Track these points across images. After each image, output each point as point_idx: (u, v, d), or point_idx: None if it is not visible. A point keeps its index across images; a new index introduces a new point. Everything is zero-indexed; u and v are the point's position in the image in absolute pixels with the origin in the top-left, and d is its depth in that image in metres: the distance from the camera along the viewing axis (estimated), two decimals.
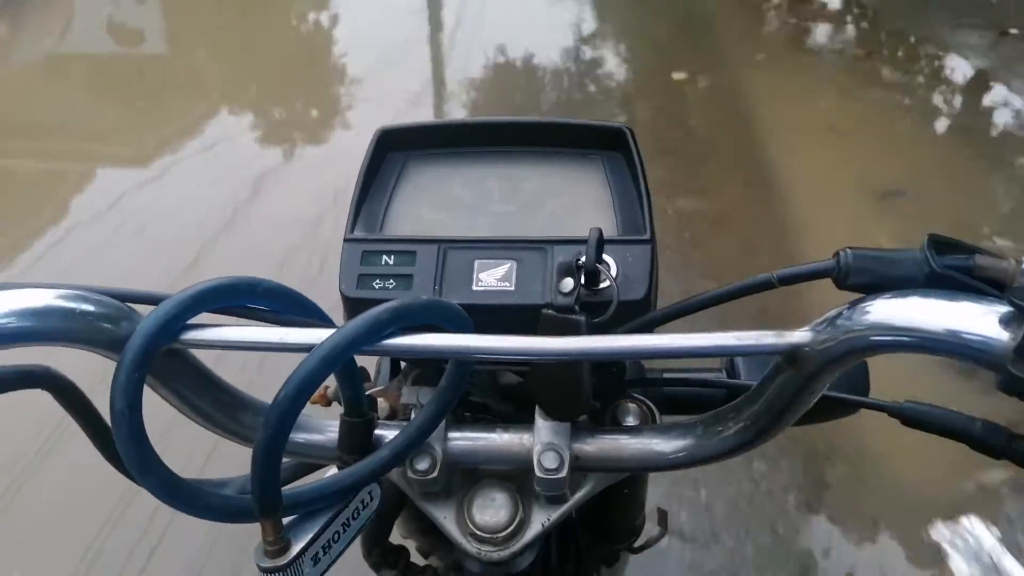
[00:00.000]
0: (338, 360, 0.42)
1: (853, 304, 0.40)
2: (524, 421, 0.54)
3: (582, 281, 0.49)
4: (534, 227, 0.55)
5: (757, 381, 0.48)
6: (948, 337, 0.36)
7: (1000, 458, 0.43)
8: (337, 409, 0.53)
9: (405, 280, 0.52)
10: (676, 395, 0.65)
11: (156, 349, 0.42)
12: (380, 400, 0.61)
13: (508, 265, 0.52)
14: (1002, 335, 0.35)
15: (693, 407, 0.66)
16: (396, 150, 0.60)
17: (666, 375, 0.65)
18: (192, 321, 0.44)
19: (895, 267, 0.41)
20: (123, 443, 0.41)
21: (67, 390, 0.46)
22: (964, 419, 0.46)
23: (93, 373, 0.54)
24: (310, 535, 0.47)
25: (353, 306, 0.52)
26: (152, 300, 0.45)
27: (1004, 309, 0.35)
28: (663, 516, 0.80)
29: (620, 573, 0.94)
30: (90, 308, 0.44)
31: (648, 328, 0.50)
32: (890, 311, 0.38)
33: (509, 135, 0.60)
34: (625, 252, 0.52)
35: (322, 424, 0.54)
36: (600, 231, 0.49)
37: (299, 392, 0.41)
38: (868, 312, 0.38)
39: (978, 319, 0.35)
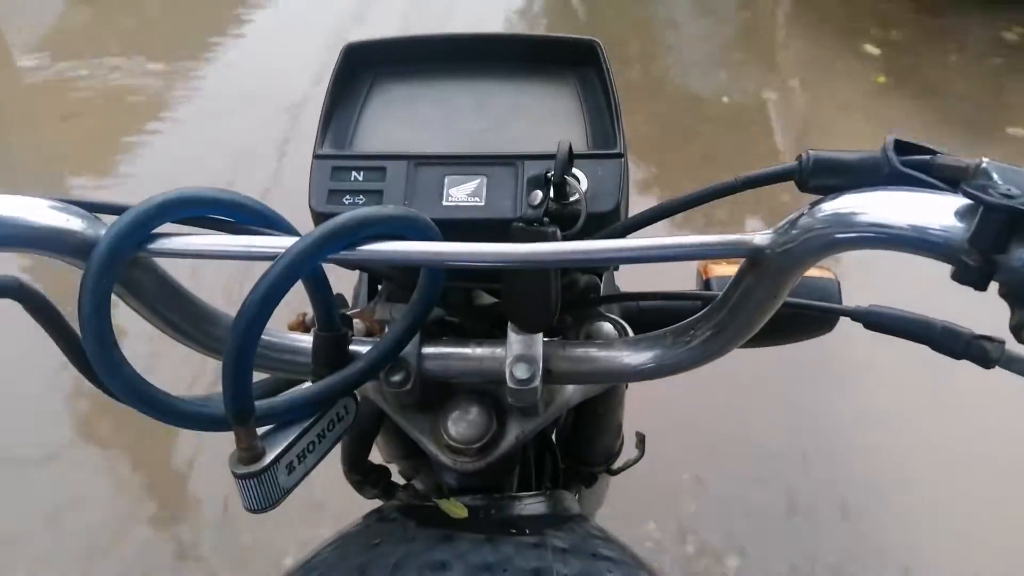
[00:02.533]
0: (304, 266, 0.42)
1: (815, 203, 0.40)
2: (498, 338, 0.54)
3: (551, 194, 0.49)
4: (504, 142, 0.55)
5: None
6: (907, 231, 0.36)
7: (960, 358, 0.44)
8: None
9: (375, 196, 0.52)
10: (650, 313, 0.66)
11: (122, 256, 0.42)
12: (357, 321, 0.61)
13: (478, 180, 0.52)
14: (957, 226, 0.35)
15: (667, 319, 0.67)
16: (364, 66, 0.59)
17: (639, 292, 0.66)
18: (159, 231, 0.44)
19: (856, 168, 0.41)
20: (91, 348, 0.41)
21: (36, 300, 0.46)
22: (925, 322, 0.46)
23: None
24: (284, 444, 0.47)
25: (322, 221, 0.52)
26: (118, 210, 0.45)
27: (960, 202, 0.36)
28: (641, 439, 0.81)
29: (601, 494, 0.96)
30: (56, 216, 0.44)
31: (618, 237, 0.50)
32: (848, 209, 0.38)
33: (479, 50, 0.59)
34: (595, 166, 0.52)
35: (297, 340, 0.55)
36: (569, 144, 0.49)
37: (266, 298, 0.41)
38: (826, 211, 0.39)
39: (934, 212, 0.36)
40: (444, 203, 0.52)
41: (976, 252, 0.34)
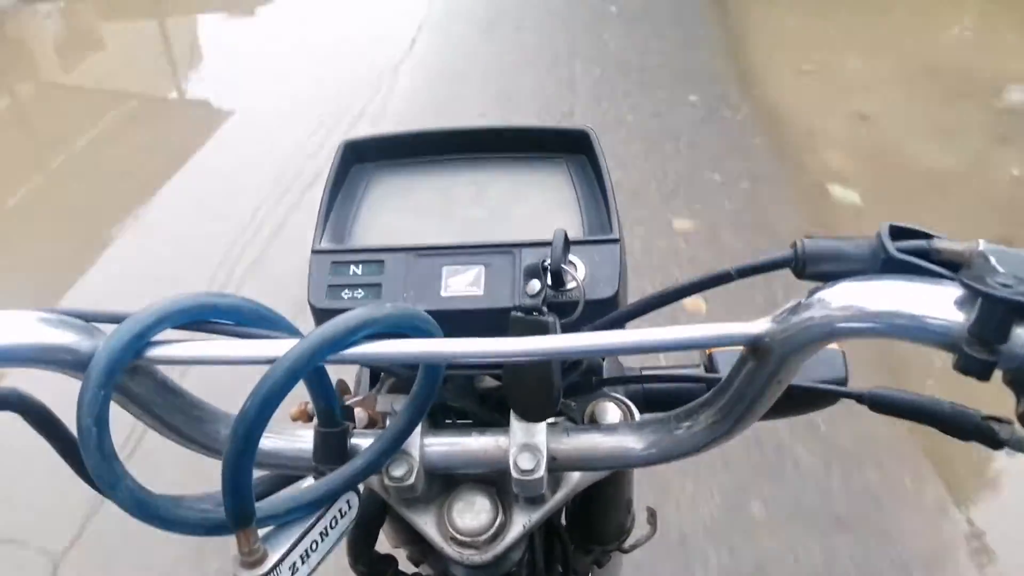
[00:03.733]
0: (303, 370, 0.42)
1: (812, 292, 0.40)
2: (501, 425, 0.54)
3: (549, 282, 0.49)
4: (501, 231, 0.55)
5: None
6: (904, 321, 0.36)
7: (969, 439, 0.43)
8: None
9: (374, 289, 0.52)
10: (654, 393, 0.65)
11: (120, 367, 0.42)
12: (358, 410, 0.61)
13: (476, 270, 0.52)
14: (957, 316, 0.35)
15: (672, 404, 0.66)
16: (361, 161, 0.60)
17: (644, 372, 0.65)
18: (156, 337, 0.44)
19: (852, 255, 0.41)
20: (91, 459, 0.41)
21: (35, 410, 0.46)
22: (932, 402, 0.46)
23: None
24: (287, 545, 0.47)
25: (322, 317, 0.52)
26: (116, 319, 0.45)
27: (958, 291, 0.35)
28: (652, 515, 0.80)
29: (615, 573, 0.94)
30: (54, 329, 0.44)
31: (617, 325, 0.50)
32: (847, 298, 0.38)
33: (474, 142, 0.60)
34: (592, 252, 0.52)
35: (298, 435, 0.54)
36: (564, 232, 0.49)
37: (265, 402, 0.41)
38: (825, 300, 0.39)
39: (933, 302, 0.36)
40: (443, 294, 0.52)
41: (977, 342, 0.33)
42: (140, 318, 0.43)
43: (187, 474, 0.70)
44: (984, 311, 0.33)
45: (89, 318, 0.46)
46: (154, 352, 0.44)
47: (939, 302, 0.35)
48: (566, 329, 0.48)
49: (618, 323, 0.50)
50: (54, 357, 0.43)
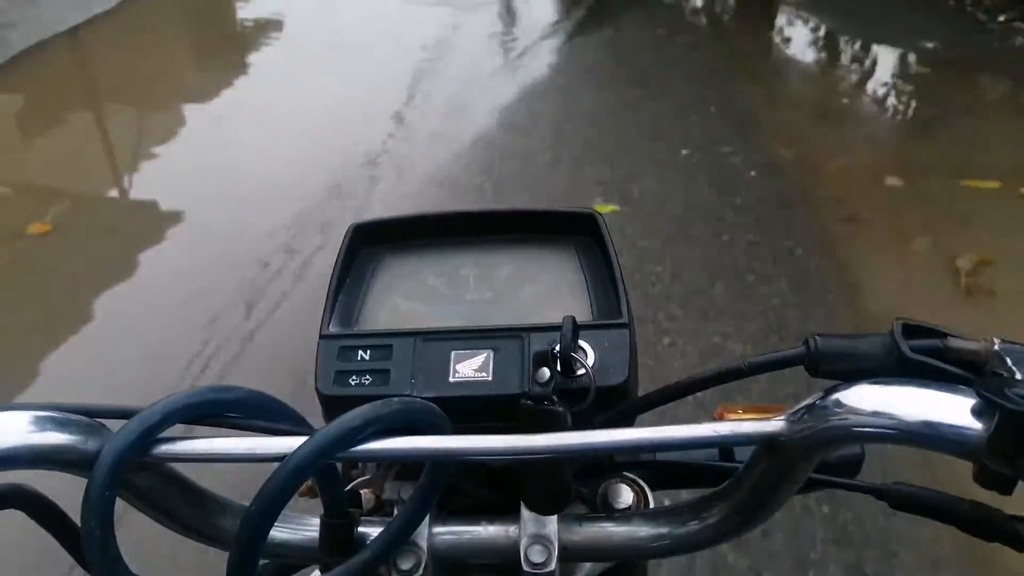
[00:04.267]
0: (309, 469, 0.42)
1: (827, 393, 0.40)
2: (510, 508, 0.53)
3: (558, 369, 0.49)
4: (509, 315, 0.55)
5: (745, 460, 0.47)
6: (922, 429, 0.35)
7: (992, 540, 0.42)
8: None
9: (382, 375, 0.52)
10: (668, 468, 0.64)
11: (125, 467, 0.42)
12: (364, 492, 0.60)
13: (485, 355, 0.52)
14: (975, 426, 0.34)
15: (686, 481, 0.65)
16: (370, 244, 0.60)
17: (658, 457, 0.64)
18: (163, 434, 0.44)
19: (865, 353, 0.41)
20: (95, 560, 0.41)
21: (38, 505, 0.46)
22: (953, 500, 0.45)
23: None
24: None
25: (330, 403, 0.52)
26: (122, 414, 0.45)
27: (975, 400, 0.35)
28: None
29: None
30: (57, 429, 0.44)
31: (628, 415, 0.50)
32: (863, 401, 0.37)
33: (481, 224, 0.60)
34: (602, 337, 0.51)
35: (304, 523, 0.53)
36: (573, 318, 0.49)
37: (271, 504, 0.41)
38: (842, 402, 0.38)
39: (950, 411, 0.35)
40: (451, 379, 0.51)
41: (997, 455, 0.33)
42: (146, 416, 0.43)
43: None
44: (1002, 424, 0.32)
45: (93, 414, 0.46)
46: (160, 450, 0.44)
47: (957, 411, 0.35)
48: (577, 417, 0.47)
49: (630, 415, 0.49)
50: (58, 458, 0.43)
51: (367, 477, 0.61)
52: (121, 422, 0.44)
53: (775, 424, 0.41)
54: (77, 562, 0.47)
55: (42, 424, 0.43)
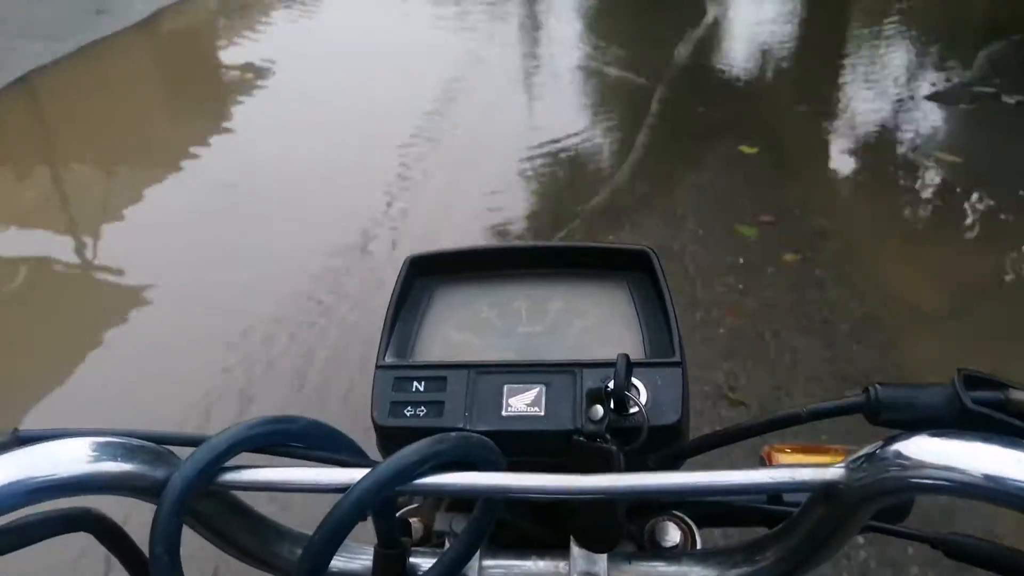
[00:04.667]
0: (370, 502, 0.43)
1: (887, 442, 0.39)
2: (560, 542, 0.53)
3: (611, 407, 0.49)
4: (562, 350, 0.56)
5: (797, 504, 0.47)
6: (985, 483, 0.35)
7: None
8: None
9: (436, 407, 0.53)
10: (716, 509, 0.64)
11: (193, 495, 0.43)
12: (414, 520, 0.61)
13: (537, 389, 0.53)
14: None
15: (734, 520, 0.65)
16: (426, 275, 0.61)
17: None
18: (229, 463, 0.45)
19: (926, 403, 0.41)
20: None
21: (108, 530, 0.47)
22: (1011, 553, 0.44)
23: None
24: None
25: (385, 433, 0.53)
26: (190, 442, 0.47)
27: None
28: None
29: None
30: (127, 456, 0.45)
31: (681, 458, 0.50)
32: (926, 453, 0.37)
33: (535, 258, 0.61)
34: (655, 375, 0.52)
35: (357, 551, 0.54)
36: (627, 357, 0.49)
37: (333, 535, 0.42)
38: (903, 453, 0.38)
39: (1012, 464, 0.35)
40: (504, 413, 0.52)
41: None
42: (213, 445, 0.44)
43: None
44: None
45: (161, 440, 0.47)
46: (226, 478, 0.45)
47: (1019, 465, 0.35)
48: (629, 457, 0.48)
49: (683, 456, 0.49)
50: (128, 484, 0.45)
51: (416, 506, 0.61)
52: (188, 449, 0.45)
53: (834, 472, 0.41)
54: None
55: (113, 451, 0.45)
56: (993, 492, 0.35)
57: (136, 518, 0.49)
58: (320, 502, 0.44)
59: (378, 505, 0.49)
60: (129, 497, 0.45)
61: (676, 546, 0.57)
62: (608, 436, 0.48)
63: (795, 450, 0.66)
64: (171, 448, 0.48)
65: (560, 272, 0.61)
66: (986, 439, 0.37)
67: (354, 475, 0.43)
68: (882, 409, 0.41)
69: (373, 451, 0.53)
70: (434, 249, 0.61)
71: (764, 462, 0.68)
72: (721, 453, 0.52)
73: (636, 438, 0.48)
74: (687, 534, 0.58)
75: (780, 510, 0.55)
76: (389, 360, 0.56)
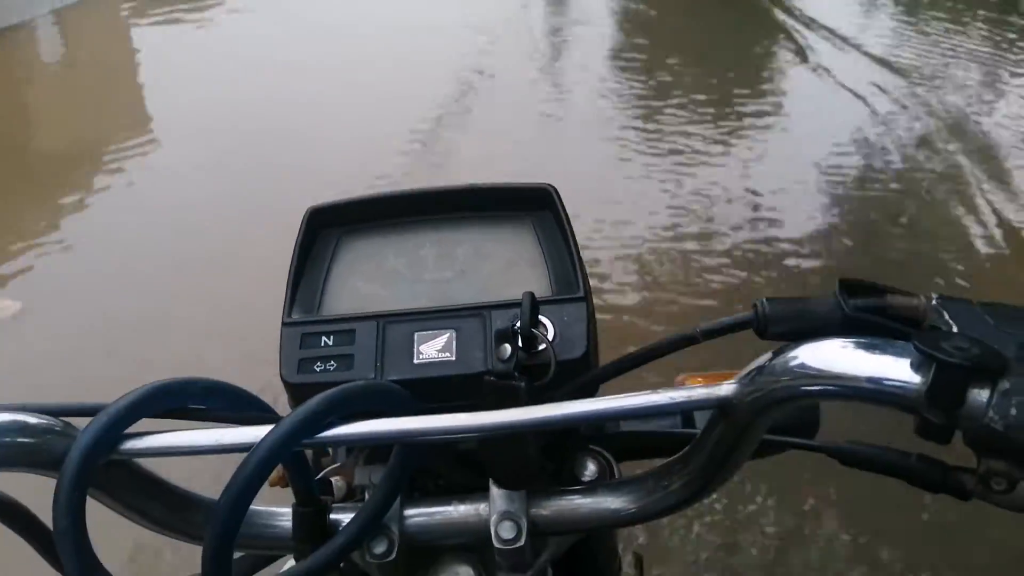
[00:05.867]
0: (277, 458, 0.42)
1: (776, 354, 0.41)
2: (480, 487, 0.54)
3: (520, 345, 0.49)
4: (470, 293, 0.56)
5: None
6: (864, 384, 0.37)
7: (938, 491, 0.44)
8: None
9: (346, 360, 0.52)
10: (631, 438, 0.65)
11: (94, 465, 0.42)
12: (335, 479, 0.60)
13: (447, 335, 0.53)
14: (914, 379, 0.36)
15: (650, 451, 0.66)
16: (328, 227, 0.60)
17: (622, 424, 0.66)
18: (130, 429, 0.44)
19: (811, 314, 0.42)
20: (68, 560, 0.41)
21: (7, 508, 0.46)
22: (900, 455, 0.46)
23: None
24: None
25: (296, 391, 0.53)
26: (87, 412, 0.45)
27: (913, 355, 0.36)
28: (639, 561, 0.80)
29: None
30: (22, 431, 0.43)
31: (589, 387, 0.51)
32: (810, 360, 0.39)
33: (438, 203, 0.61)
34: (561, 311, 0.52)
35: (275, 513, 0.54)
36: (532, 295, 0.49)
37: (241, 496, 0.41)
38: (788, 363, 0.39)
39: (891, 365, 0.36)
40: (415, 361, 0.52)
41: (935, 406, 0.34)
42: (111, 412, 0.43)
43: None
44: (938, 377, 0.34)
45: (59, 412, 0.46)
46: (128, 445, 0.44)
47: (896, 366, 0.36)
48: (538, 392, 0.48)
49: (590, 386, 0.50)
50: (25, 459, 0.43)
51: (337, 464, 0.61)
52: (87, 420, 0.44)
53: (727, 388, 0.42)
54: (50, 564, 0.47)
55: (7, 425, 0.43)
56: (874, 393, 0.37)
57: None
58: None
59: (290, 462, 0.48)
60: (27, 472, 0.44)
61: (594, 480, 0.58)
62: (517, 374, 0.48)
63: (707, 377, 0.68)
64: (69, 420, 0.46)
65: (464, 215, 0.60)
66: (866, 344, 0.38)
67: (260, 432, 0.43)
68: (769, 323, 0.43)
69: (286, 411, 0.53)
70: (333, 200, 0.60)
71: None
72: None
73: (545, 374, 0.49)
74: (605, 467, 0.60)
75: (690, 432, 0.57)
76: (296, 316, 0.55)
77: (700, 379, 0.69)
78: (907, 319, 0.40)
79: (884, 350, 0.37)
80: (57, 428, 0.45)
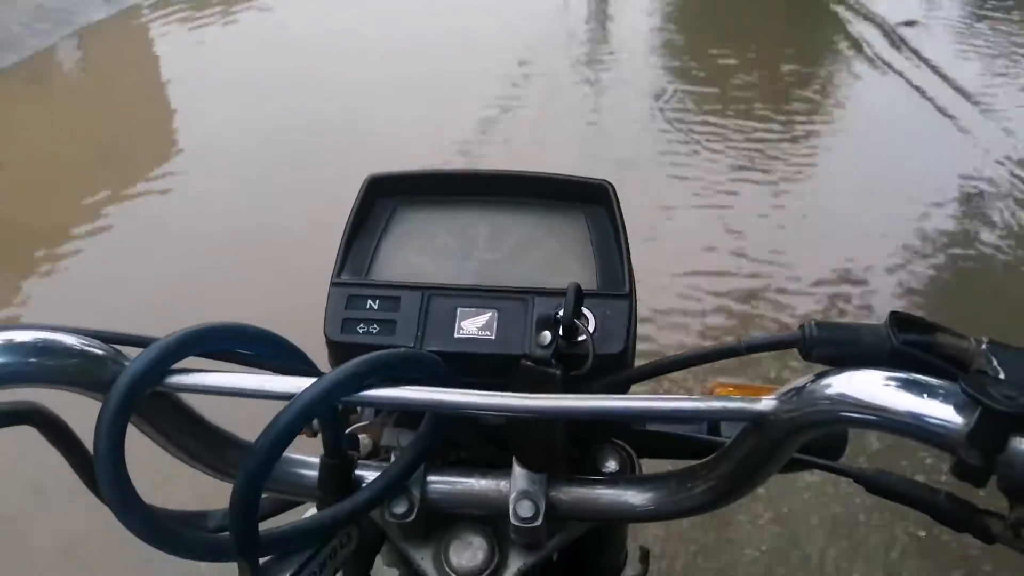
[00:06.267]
0: (316, 411, 0.44)
1: (819, 376, 0.41)
2: (503, 464, 0.55)
3: (560, 334, 0.50)
4: (516, 276, 0.56)
5: (732, 436, 0.49)
6: (907, 418, 0.37)
7: (962, 531, 0.44)
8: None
9: (388, 326, 0.53)
10: (657, 440, 0.66)
11: (141, 393, 0.44)
12: (363, 436, 0.62)
13: (489, 314, 0.53)
14: (956, 420, 0.36)
15: (673, 452, 0.67)
16: (386, 196, 0.61)
17: (649, 423, 0.66)
18: (177, 365, 0.46)
19: (858, 341, 0.42)
20: (105, 484, 0.43)
21: (53, 425, 0.48)
22: (928, 491, 0.46)
23: None
24: (288, 574, 0.48)
25: (337, 349, 0.54)
26: (139, 342, 0.47)
27: (959, 395, 0.36)
28: (645, 555, 0.81)
29: None
30: (77, 350, 0.45)
31: (624, 384, 0.51)
32: (853, 388, 0.39)
33: (495, 185, 0.61)
34: (604, 306, 0.53)
35: (304, 461, 0.55)
36: (578, 285, 0.50)
37: (277, 440, 0.42)
38: (832, 387, 0.40)
39: (935, 403, 0.36)
40: (456, 335, 0.53)
41: (974, 449, 0.34)
42: (162, 345, 0.44)
43: None
44: (982, 421, 0.34)
45: (111, 340, 0.47)
46: (174, 380, 0.45)
47: (941, 404, 0.36)
48: (574, 382, 0.49)
49: (625, 384, 0.51)
50: (76, 379, 0.45)
51: (366, 423, 0.63)
52: (137, 350, 0.45)
53: (765, 403, 0.42)
54: (87, 486, 0.49)
55: (61, 345, 0.45)
56: (914, 428, 0.37)
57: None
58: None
59: (324, 415, 0.49)
60: (76, 392, 0.46)
61: (615, 472, 0.59)
62: (554, 361, 0.49)
63: (738, 388, 0.68)
64: (120, 348, 0.48)
65: (519, 200, 0.61)
66: (911, 379, 0.38)
67: (302, 384, 0.44)
68: (815, 345, 0.43)
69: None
70: (395, 170, 0.61)
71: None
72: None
73: (582, 365, 0.49)
74: (627, 462, 0.60)
75: (716, 440, 0.57)
76: (345, 277, 0.56)
77: (732, 388, 0.69)
78: (955, 359, 0.40)
79: (930, 387, 0.37)
80: (109, 353, 0.46)
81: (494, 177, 0.61)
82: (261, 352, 0.49)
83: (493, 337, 0.53)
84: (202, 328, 0.46)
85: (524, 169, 0.60)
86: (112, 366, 0.46)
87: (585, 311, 0.52)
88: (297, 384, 0.44)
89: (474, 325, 0.53)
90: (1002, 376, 0.37)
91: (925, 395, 0.37)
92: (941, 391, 0.37)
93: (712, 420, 0.45)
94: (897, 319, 0.42)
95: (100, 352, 0.46)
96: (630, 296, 0.54)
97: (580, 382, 0.49)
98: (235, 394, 0.46)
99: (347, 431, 0.60)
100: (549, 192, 0.60)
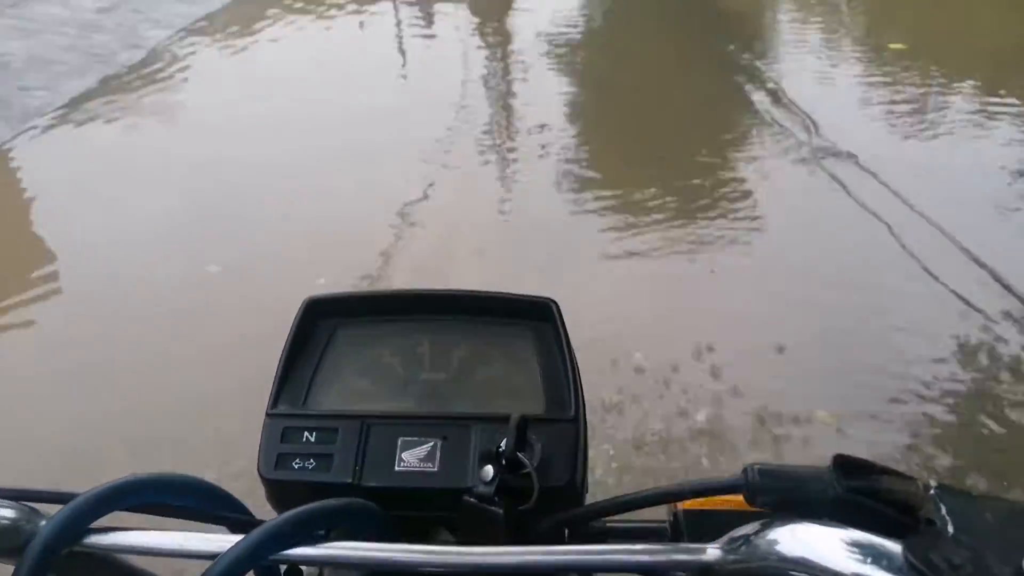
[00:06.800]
0: (241, 571, 0.41)
1: (764, 527, 0.39)
2: None
3: (503, 466, 0.48)
4: (460, 401, 0.55)
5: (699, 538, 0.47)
6: None
7: None
8: None
9: (325, 460, 0.51)
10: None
11: (56, 555, 0.41)
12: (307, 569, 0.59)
13: (432, 443, 0.52)
14: None
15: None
16: (324, 319, 0.59)
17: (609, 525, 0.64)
18: (100, 522, 0.43)
19: (802, 487, 0.41)
20: None
21: None
22: None
23: None
24: None
25: (272, 487, 0.52)
26: (57, 499, 0.44)
27: (903, 562, 0.35)
28: None
29: None
30: None
31: (574, 523, 0.49)
32: (795, 545, 0.38)
33: (438, 305, 0.60)
34: (550, 432, 0.51)
35: None
36: (522, 418, 0.48)
37: None
38: (775, 543, 0.38)
39: (878, 571, 0.35)
40: (397, 468, 0.51)
41: None
42: (79, 503, 0.42)
43: None
44: None
45: (27, 497, 0.45)
46: (92, 540, 0.43)
47: (883, 572, 0.35)
48: (519, 516, 0.47)
49: (574, 523, 0.49)
50: None
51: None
52: (57, 507, 0.43)
53: (711, 552, 0.40)
54: None
55: None
56: None
57: None
58: None
59: (257, 572, 0.47)
60: None
61: None
62: (497, 499, 0.47)
63: (707, 503, 0.66)
64: (37, 506, 0.45)
65: (463, 320, 0.59)
66: (855, 538, 0.37)
67: (226, 542, 0.42)
68: (758, 493, 0.41)
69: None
70: (333, 292, 0.59)
71: (670, 509, 0.68)
72: None
73: (527, 498, 0.48)
74: None
75: None
76: (280, 408, 0.54)
77: (700, 503, 0.67)
78: (902, 505, 0.38)
79: (873, 550, 0.36)
80: (23, 514, 0.44)
81: (436, 297, 0.59)
82: (191, 503, 0.47)
83: (436, 470, 0.51)
84: (123, 482, 0.44)
85: (466, 288, 0.59)
86: (26, 527, 0.43)
87: (531, 438, 0.50)
88: (221, 542, 0.42)
89: (415, 457, 0.51)
90: (950, 528, 0.36)
91: (869, 559, 0.36)
92: (885, 556, 0.35)
93: (654, 570, 0.43)
94: (842, 463, 0.40)
95: (12, 514, 0.43)
96: (576, 421, 0.52)
97: (527, 515, 0.47)
98: (155, 553, 0.43)
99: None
100: (493, 311, 0.59)
